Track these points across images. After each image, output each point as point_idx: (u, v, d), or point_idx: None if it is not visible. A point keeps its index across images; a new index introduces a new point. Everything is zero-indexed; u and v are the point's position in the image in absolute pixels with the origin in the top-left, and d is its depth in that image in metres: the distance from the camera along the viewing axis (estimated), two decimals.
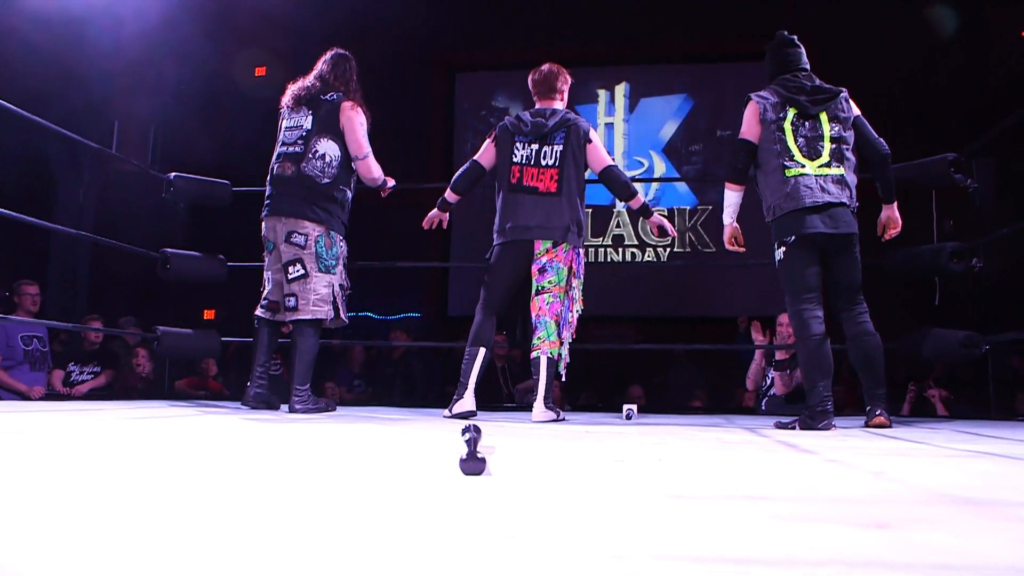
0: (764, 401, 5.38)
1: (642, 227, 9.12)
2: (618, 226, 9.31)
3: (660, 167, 9.27)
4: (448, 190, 3.79)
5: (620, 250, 9.26)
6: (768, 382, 5.38)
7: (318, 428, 2.61)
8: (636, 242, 9.24)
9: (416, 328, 9.18)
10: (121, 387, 5.81)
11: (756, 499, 1.14)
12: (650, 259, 9.24)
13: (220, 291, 5.52)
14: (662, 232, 3.68)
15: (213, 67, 8.19)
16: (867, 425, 3.09)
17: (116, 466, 1.44)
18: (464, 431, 1.91)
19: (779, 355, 5.19)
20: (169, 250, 4.26)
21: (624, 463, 1.67)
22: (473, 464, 1.39)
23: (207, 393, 5.94)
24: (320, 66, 3.79)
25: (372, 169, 3.75)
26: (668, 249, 9.30)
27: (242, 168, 5.25)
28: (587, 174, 3.68)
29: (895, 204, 3.26)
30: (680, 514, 1.00)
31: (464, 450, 1.59)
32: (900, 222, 3.25)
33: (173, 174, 4.33)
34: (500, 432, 2.56)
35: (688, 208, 9.25)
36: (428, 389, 6.28)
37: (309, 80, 3.76)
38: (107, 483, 1.20)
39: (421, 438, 2.31)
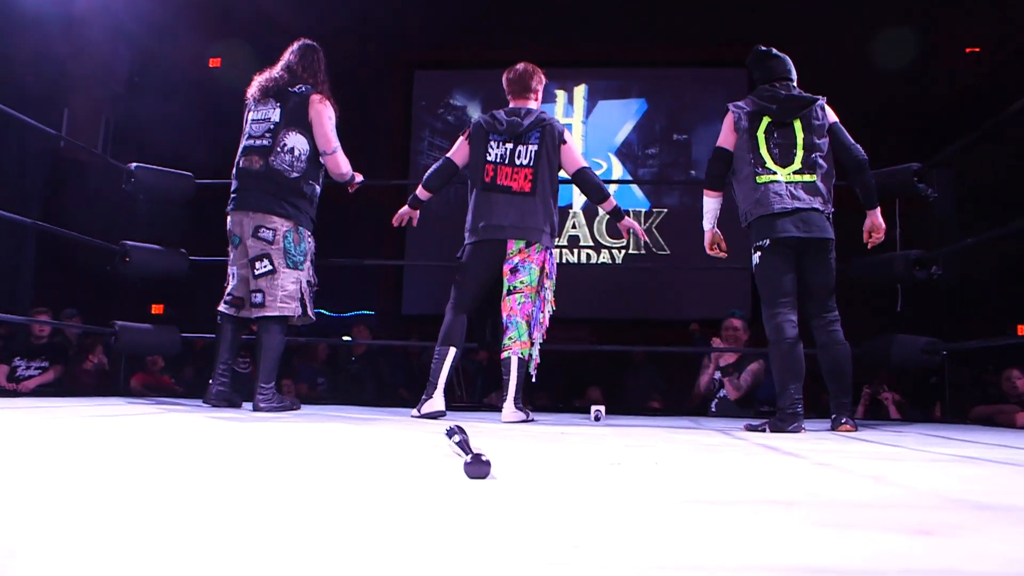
0: (713, 404, 5.45)
1: (598, 229, 9.16)
2: (574, 227, 9.33)
3: (617, 170, 9.32)
4: (420, 187, 3.74)
5: (575, 251, 9.28)
6: (716, 386, 5.45)
7: (292, 428, 2.55)
8: (592, 243, 9.27)
9: (370, 326, 9.10)
10: (70, 383, 5.62)
11: (786, 504, 1.13)
12: (605, 261, 9.28)
13: (167, 286, 5.33)
14: (633, 235, 3.70)
15: (167, 57, 8.01)
16: (832, 431, 3.14)
17: (86, 467, 1.38)
18: (450, 433, 1.88)
19: (724, 360, 5.28)
20: (129, 243, 4.12)
21: (621, 466, 1.66)
22: (478, 467, 1.34)
23: (163, 390, 5.79)
24: (288, 57, 3.70)
25: (340, 164, 3.68)
26: (623, 251, 9.36)
27: (195, 160, 5.09)
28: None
29: (878, 210, 3.28)
30: (722, 520, 0.98)
31: (465, 453, 1.57)
32: (884, 228, 3.29)
33: (134, 164, 4.19)
34: (473, 433, 2.52)
35: (643, 211, 9.31)
36: (396, 386, 6.22)
37: (276, 71, 3.66)
38: (78, 485, 1.14)
39: (402, 439, 2.27)
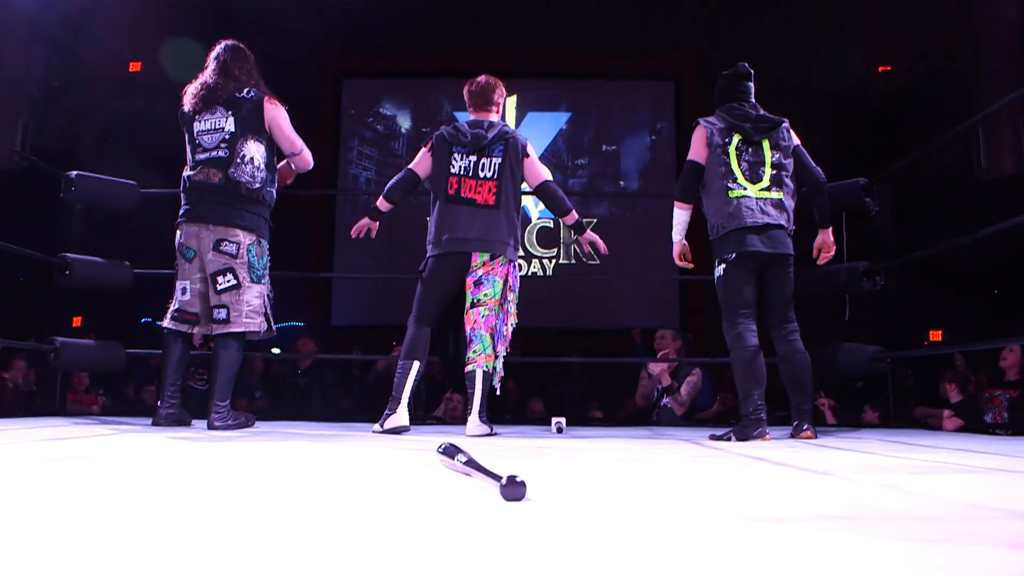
0: (655, 413, 5.52)
1: (528, 239, 9.20)
2: None
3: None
4: (381, 198, 3.67)
5: None
6: (656, 395, 5.53)
7: (263, 448, 2.47)
8: (522, 253, 9.30)
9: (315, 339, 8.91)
10: None
11: (847, 520, 1.14)
12: (535, 271, 9.32)
13: (73, 297, 5.01)
14: (594, 248, 3.72)
15: (85, 61, 7.69)
16: (794, 437, 3.23)
17: (67, 494, 1.30)
18: (448, 452, 1.84)
19: (664, 380, 5.37)
20: (69, 255, 3.91)
21: (638, 482, 1.66)
22: (514, 489, 1.31)
23: (98, 408, 5.52)
24: (220, 59, 3.52)
25: (309, 161, 3.63)
26: (553, 261, 9.42)
27: (118, 168, 4.83)
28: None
29: (830, 229, 3.44)
30: (802, 539, 0.98)
31: (482, 474, 1.54)
32: (834, 246, 3.43)
33: (74, 173, 3.98)
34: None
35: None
36: (339, 399, 6.08)
37: (212, 78, 3.50)
38: (63, 514, 1.08)
39: (387, 457, 2.21)
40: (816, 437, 3.22)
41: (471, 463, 1.64)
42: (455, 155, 3.55)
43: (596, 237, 3.75)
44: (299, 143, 3.55)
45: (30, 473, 1.65)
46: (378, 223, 3.73)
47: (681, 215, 3.44)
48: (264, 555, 0.85)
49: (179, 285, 3.50)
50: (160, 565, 0.78)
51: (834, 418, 5.18)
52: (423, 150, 3.65)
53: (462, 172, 3.53)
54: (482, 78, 3.69)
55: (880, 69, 8.73)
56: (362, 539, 0.96)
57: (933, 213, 6.10)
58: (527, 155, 3.58)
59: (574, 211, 3.69)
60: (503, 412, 6.56)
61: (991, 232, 3.30)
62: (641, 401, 5.71)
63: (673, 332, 5.56)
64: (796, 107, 7.82)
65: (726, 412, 5.62)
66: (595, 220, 9.15)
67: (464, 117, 3.78)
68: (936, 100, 7.01)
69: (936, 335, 7.69)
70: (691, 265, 3.53)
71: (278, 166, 3.63)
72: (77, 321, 7.92)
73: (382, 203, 3.67)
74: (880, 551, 0.90)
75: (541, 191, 3.64)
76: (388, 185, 3.68)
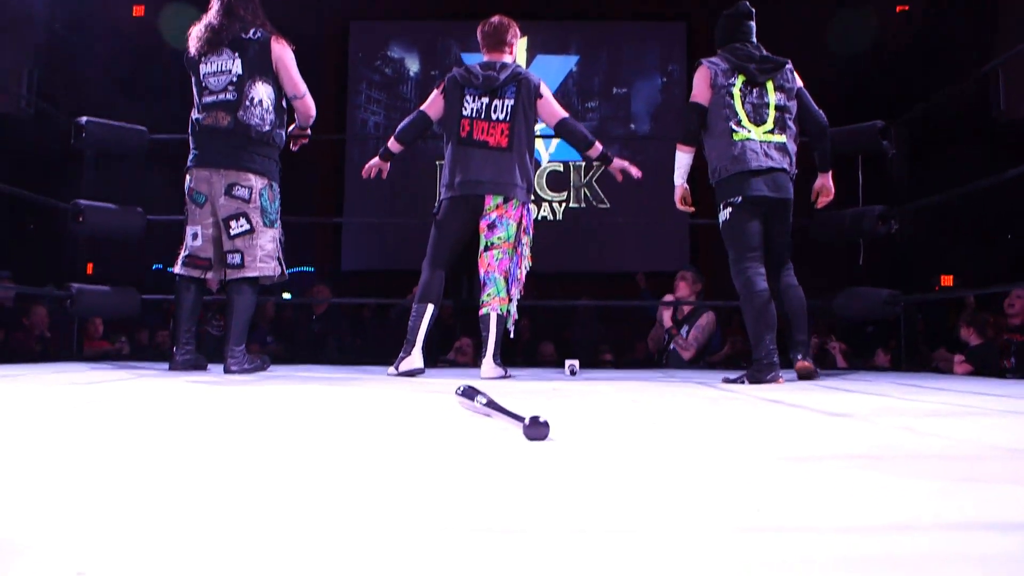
0: (664, 356, 5.54)
1: (538, 183, 9.14)
2: None
3: None
4: (392, 139, 3.63)
5: None
6: (666, 339, 5.54)
7: (285, 391, 2.48)
8: (532, 198, 9.25)
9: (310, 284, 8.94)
10: (8, 348, 5.35)
11: (872, 459, 1.15)
12: (546, 215, 9.29)
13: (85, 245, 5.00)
14: (627, 176, 3.66)
15: (88, 5, 7.58)
16: (795, 368, 3.25)
17: (100, 438, 1.31)
18: (466, 393, 1.85)
19: (665, 323, 5.37)
20: (83, 202, 3.89)
21: (658, 423, 1.67)
22: (537, 429, 1.31)
23: (117, 353, 5.57)
24: (223, 1, 3.43)
25: (310, 107, 3.57)
26: (563, 205, 9.38)
27: (125, 113, 4.79)
28: (537, 129, 3.63)
29: (830, 173, 3.40)
30: (833, 478, 0.99)
31: (503, 414, 1.54)
32: (833, 190, 3.40)
33: (84, 118, 3.95)
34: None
35: (583, 164, 9.32)
36: (352, 347, 6.11)
37: (217, 18, 3.41)
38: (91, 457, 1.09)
39: (403, 398, 2.23)
40: (815, 368, 3.25)
41: (491, 404, 1.65)
42: (467, 97, 3.51)
43: (626, 163, 3.68)
44: (303, 88, 3.50)
45: (53, 417, 1.67)
46: (388, 164, 3.70)
47: (684, 158, 3.39)
48: (287, 495, 0.85)
49: (189, 231, 3.48)
50: (180, 506, 0.79)
51: (845, 361, 5.19)
52: (435, 92, 3.61)
53: (474, 114, 3.49)
54: (495, 18, 3.63)
55: (898, 9, 8.56)
56: (387, 478, 0.97)
57: (947, 157, 6.03)
58: (540, 95, 3.53)
59: (598, 143, 3.63)
60: (515, 355, 6.62)
61: (1009, 177, 3.26)
62: (652, 345, 5.73)
63: (693, 274, 5.48)
64: (811, 48, 7.77)
65: (736, 355, 5.64)
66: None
67: (472, 60, 3.73)
68: (954, 41, 6.88)
69: (947, 280, 7.68)
70: (692, 209, 3.50)
71: (290, 129, 3.61)
72: (90, 268, 7.98)
73: (393, 144, 3.64)
74: (908, 488, 0.90)
75: (560, 128, 3.59)
76: (400, 127, 3.65)
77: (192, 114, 3.48)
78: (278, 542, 0.64)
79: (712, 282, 8.26)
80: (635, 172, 3.66)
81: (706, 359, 5.42)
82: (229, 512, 0.75)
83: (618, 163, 3.67)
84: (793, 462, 1.12)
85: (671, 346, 5.43)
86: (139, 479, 0.92)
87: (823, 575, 0.57)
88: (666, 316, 5.41)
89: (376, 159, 3.69)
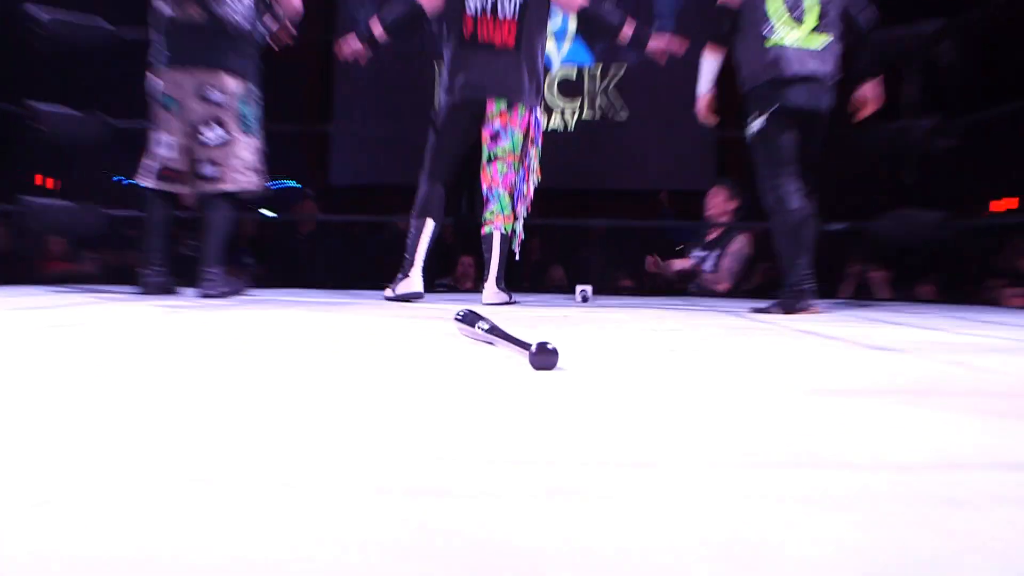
0: (692, 283, 5.50)
1: (548, 89, 8.99)
2: None
3: (573, 23, 9.07)
4: (377, 24, 3.52)
5: None
6: (693, 262, 5.47)
7: (257, 315, 2.48)
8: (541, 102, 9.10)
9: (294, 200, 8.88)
10: None
11: (915, 394, 1.14)
12: (556, 127, 9.16)
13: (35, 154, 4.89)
14: (669, 55, 3.56)
15: None
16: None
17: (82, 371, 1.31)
18: (466, 319, 1.83)
19: (674, 266, 5.33)
20: (39, 104, 3.81)
21: (678, 352, 1.66)
22: (546, 357, 1.30)
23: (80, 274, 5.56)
24: None
25: (297, 4, 3.49)
26: (576, 115, 9.24)
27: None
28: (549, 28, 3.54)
29: (878, 79, 3.30)
30: (870, 413, 0.97)
31: (506, 341, 1.53)
32: (882, 99, 3.30)
33: (46, 15, 3.82)
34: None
35: (598, 70, 9.14)
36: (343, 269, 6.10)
37: None
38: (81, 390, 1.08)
39: (397, 325, 2.22)
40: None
41: (494, 330, 1.64)
42: None
43: (666, 41, 3.57)
44: None
45: (10, 346, 1.67)
46: (369, 53, 3.59)
47: (711, 63, 3.34)
48: (273, 429, 0.84)
49: (159, 138, 3.41)
50: (148, 439, 0.78)
51: (889, 291, 5.17)
52: None
53: (478, 11, 3.39)
54: None
55: None
56: (383, 409, 0.96)
57: (1013, 63, 5.88)
58: None
59: (628, 23, 3.52)
60: (521, 280, 6.61)
61: None
62: (650, 265, 5.61)
63: (729, 191, 5.30)
64: None
65: (766, 284, 5.60)
66: (624, 68, 8.94)
67: None
68: None
69: (997, 206, 7.51)
70: (716, 120, 3.43)
71: (274, 28, 3.52)
72: (39, 179, 7.89)
73: (377, 29, 3.52)
74: (961, 425, 0.89)
75: (584, 17, 3.50)
76: (387, 12, 3.52)
77: (158, 6, 3.39)
78: (260, 473, 0.63)
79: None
80: (679, 47, 3.54)
81: (741, 288, 5.34)
82: (199, 446, 0.74)
83: (656, 42, 3.55)
84: (831, 395, 1.10)
85: (692, 285, 5.37)
86: (104, 410, 0.92)
87: (860, 512, 0.55)
88: (678, 263, 5.35)
89: (354, 39, 3.57)
